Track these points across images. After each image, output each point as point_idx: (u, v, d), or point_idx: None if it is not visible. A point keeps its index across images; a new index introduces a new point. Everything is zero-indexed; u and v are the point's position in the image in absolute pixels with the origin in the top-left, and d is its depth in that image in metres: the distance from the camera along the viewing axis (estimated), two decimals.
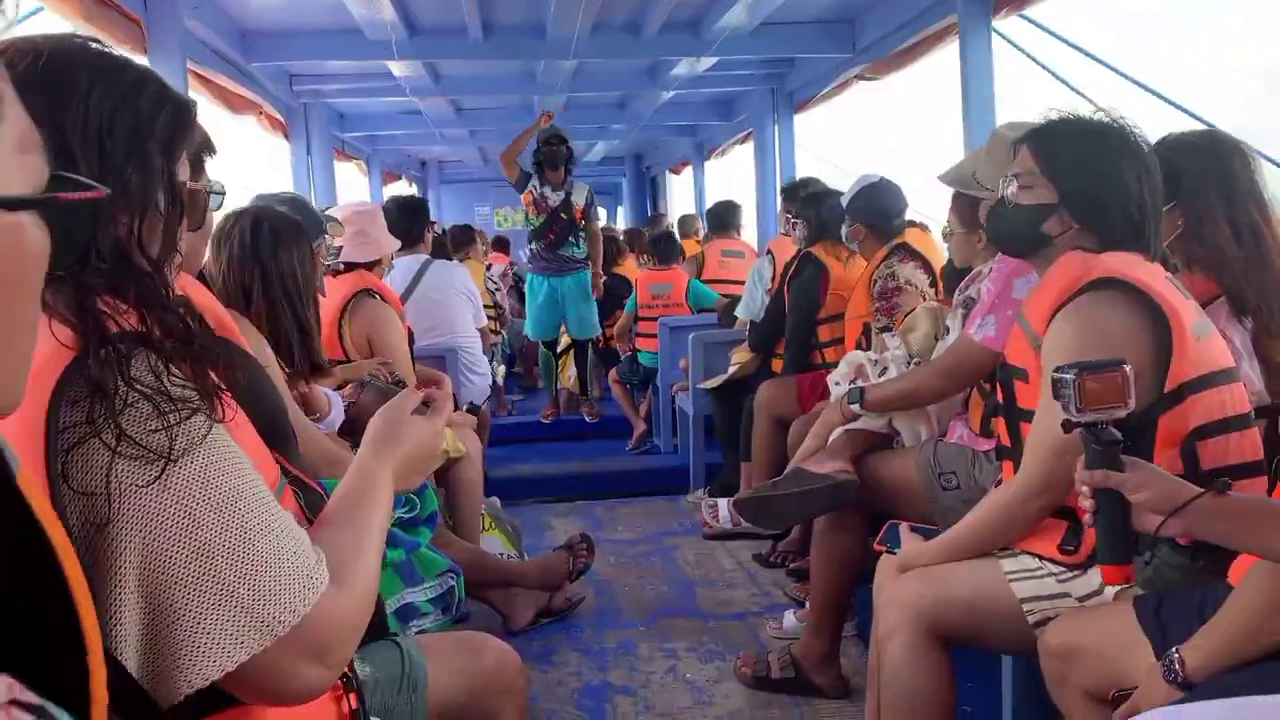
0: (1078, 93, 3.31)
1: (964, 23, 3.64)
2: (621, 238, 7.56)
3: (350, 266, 3.30)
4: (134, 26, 3.46)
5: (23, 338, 0.55)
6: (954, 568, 1.77)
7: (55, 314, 0.83)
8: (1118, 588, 1.53)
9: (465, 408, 4.03)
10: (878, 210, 3.30)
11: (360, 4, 4.11)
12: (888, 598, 1.83)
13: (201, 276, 1.84)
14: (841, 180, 3.86)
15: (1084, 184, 1.68)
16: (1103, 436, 1.29)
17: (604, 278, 6.25)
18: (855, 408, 2.46)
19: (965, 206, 2.41)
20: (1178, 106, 3.16)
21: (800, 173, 5.75)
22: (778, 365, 3.95)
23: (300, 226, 2.41)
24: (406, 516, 2.20)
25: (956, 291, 2.45)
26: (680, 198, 10.81)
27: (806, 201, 3.86)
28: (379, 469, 1.09)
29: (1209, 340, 1.61)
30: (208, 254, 2.26)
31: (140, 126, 0.93)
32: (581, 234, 5.83)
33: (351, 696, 1.13)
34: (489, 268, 7.34)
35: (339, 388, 2.74)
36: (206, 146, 1.13)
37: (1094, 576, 1.62)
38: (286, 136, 5.90)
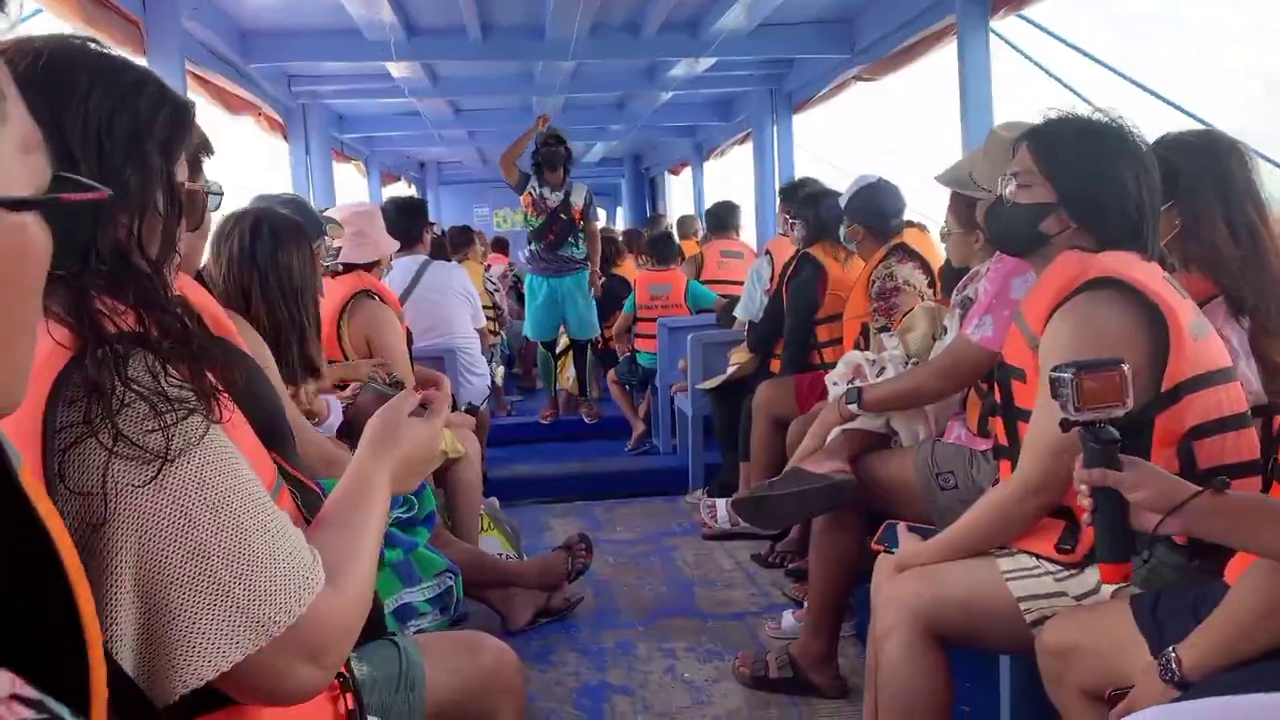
0: (1076, 93, 3.31)
1: (962, 23, 3.65)
2: (620, 238, 7.56)
3: (349, 267, 3.30)
4: (132, 27, 3.46)
5: (23, 338, 0.55)
6: (951, 567, 1.77)
7: (52, 314, 0.83)
8: (1114, 586, 1.53)
9: (464, 408, 4.04)
10: (876, 210, 3.31)
11: (359, 5, 4.12)
12: (885, 597, 1.83)
13: (200, 277, 1.85)
14: (840, 181, 3.86)
15: (1082, 183, 1.68)
16: (1101, 435, 1.29)
17: (602, 278, 6.25)
18: (853, 408, 2.46)
19: (963, 207, 2.41)
20: (1175, 106, 3.16)
21: (799, 173, 5.75)
22: (776, 365, 3.95)
23: (301, 228, 2.41)
24: (405, 517, 2.21)
25: (954, 291, 2.45)
26: (679, 198, 10.82)
27: (805, 202, 3.86)
28: (376, 470, 1.09)
29: (1206, 340, 1.62)
30: (208, 255, 2.26)
31: (139, 127, 0.93)
32: (581, 234, 5.83)
33: (348, 696, 1.13)
34: (488, 268, 7.35)
35: (339, 386, 2.75)
36: (204, 147, 1.13)
37: (1091, 575, 1.62)
38: (285, 137, 5.90)
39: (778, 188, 5.71)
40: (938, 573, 1.78)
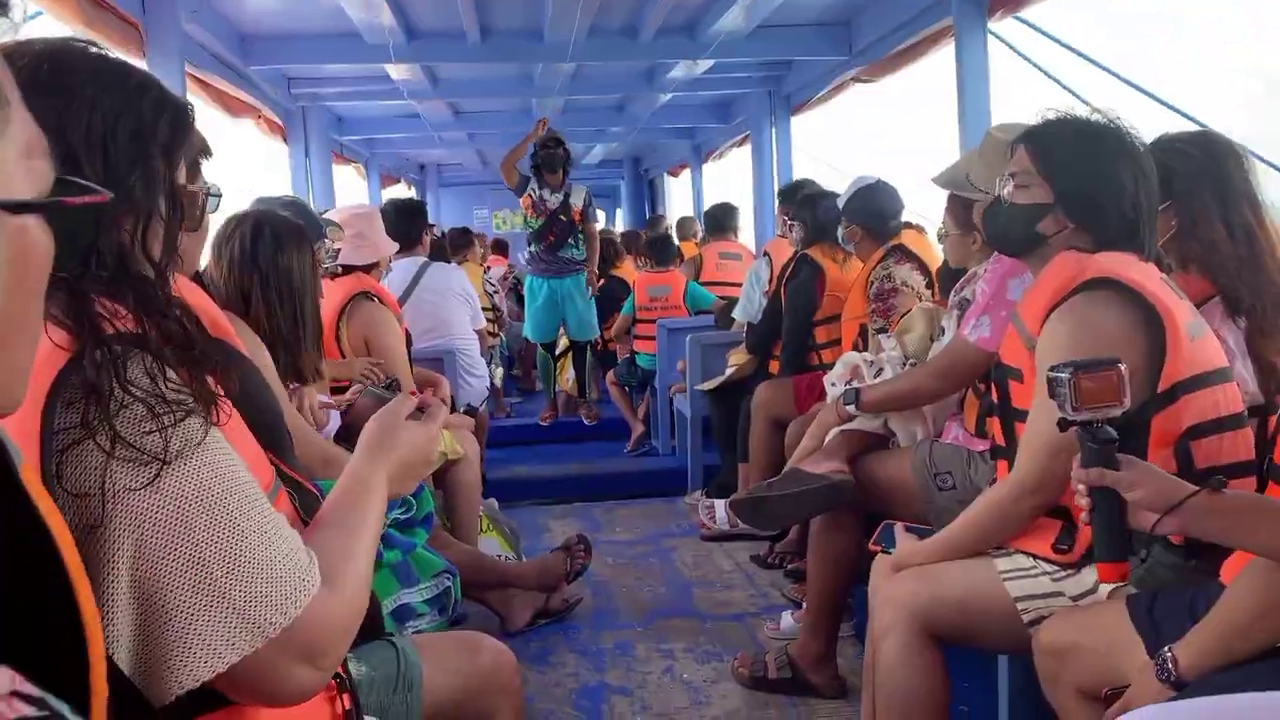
0: (1073, 94, 3.32)
1: (959, 25, 3.65)
2: (619, 240, 7.57)
3: (348, 269, 3.30)
4: (132, 30, 3.46)
5: (24, 339, 0.55)
6: (948, 567, 1.77)
7: (51, 316, 0.83)
8: (1111, 586, 1.54)
9: (463, 410, 4.04)
10: (874, 212, 3.31)
11: (358, 7, 4.12)
12: (882, 597, 1.83)
13: (199, 279, 1.85)
14: (838, 182, 3.87)
15: (1080, 184, 1.69)
16: (1098, 435, 1.29)
17: (601, 279, 6.25)
18: (851, 408, 2.46)
19: (960, 208, 2.42)
20: (1172, 107, 3.17)
21: (797, 175, 5.77)
22: (775, 367, 3.96)
23: (302, 230, 2.41)
24: (403, 517, 2.21)
25: (951, 292, 2.46)
26: (678, 200, 10.82)
27: (803, 203, 3.87)
28: (373, 473, 1.10)
29: (1203, 340, 1.62)
30: (208, 257, 2.27)
31: (143, 131, 0.94)
32: (581, 236, 5.84)
33: (345, 697, 1.13)
34: (487, 270, 7.35)
35: (337, 387, 2.75)
36: (203, 149, 1.14)
37: (1088, 575, 1.62)
38: (285, 140, 5.91)
39: (776, 189, 5.72)
40: (935, 573, 1.78)
